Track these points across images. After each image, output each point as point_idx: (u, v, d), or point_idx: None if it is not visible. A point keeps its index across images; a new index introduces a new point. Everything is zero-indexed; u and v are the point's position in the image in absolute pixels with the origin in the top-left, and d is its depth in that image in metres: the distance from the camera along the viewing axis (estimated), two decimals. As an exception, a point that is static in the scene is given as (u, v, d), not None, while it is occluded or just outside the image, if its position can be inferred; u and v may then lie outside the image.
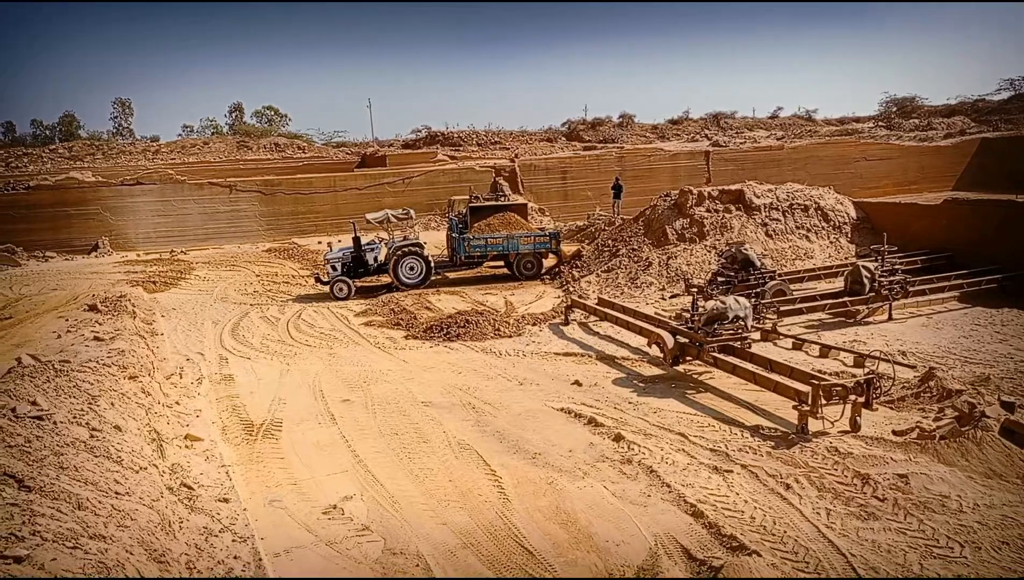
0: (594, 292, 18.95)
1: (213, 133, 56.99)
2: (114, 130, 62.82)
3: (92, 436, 7.65)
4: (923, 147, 41.65)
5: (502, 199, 25.16)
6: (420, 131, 52.14)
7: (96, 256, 29.52)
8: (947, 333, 14.39)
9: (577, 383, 12.34)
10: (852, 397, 9.68)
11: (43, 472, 6.37)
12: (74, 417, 7.96)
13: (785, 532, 7.34)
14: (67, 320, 14.86)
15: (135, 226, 31.20)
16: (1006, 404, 9.62)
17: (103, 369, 10.14)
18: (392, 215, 21.21)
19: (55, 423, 7.55)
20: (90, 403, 8.59)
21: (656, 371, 12.91)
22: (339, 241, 23.66)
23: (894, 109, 57.95)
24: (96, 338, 12.55)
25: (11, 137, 61.00)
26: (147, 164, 40.61)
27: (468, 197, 23.36)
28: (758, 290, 16.43)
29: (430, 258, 21.21)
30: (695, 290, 15.98)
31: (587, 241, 24.72)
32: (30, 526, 5.40)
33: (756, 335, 13.54)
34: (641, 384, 12.27)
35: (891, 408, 10.56)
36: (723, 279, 17.36)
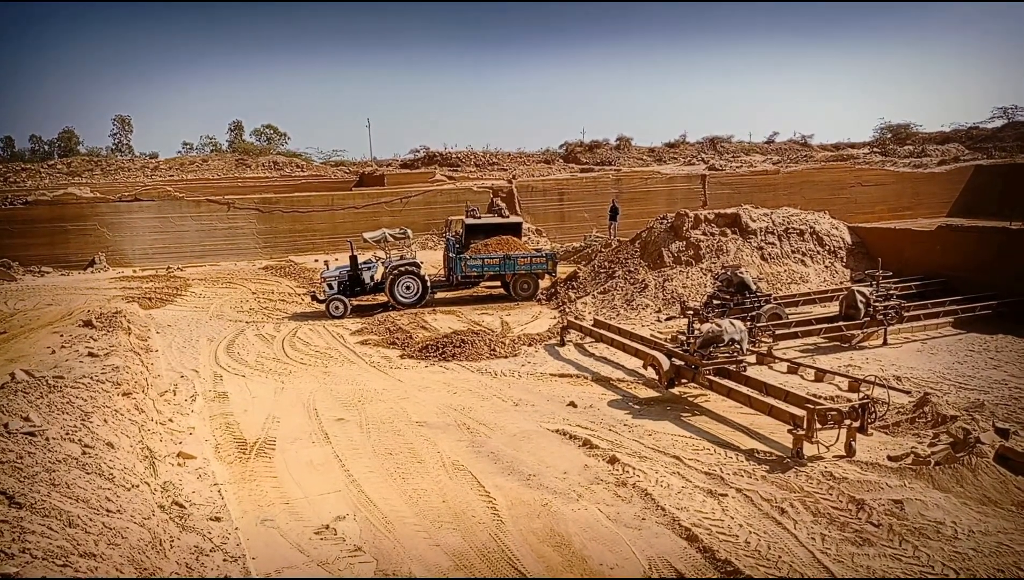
0: (590, 313, 18.97)
1: (212, 151, 57.35)
2: (113, 146, 63.24)
3: (84, 453, 7.60)
4: (917, 173, 42.02)
5: (504, 214, 25.35)
6: (418, 151, 52.60)
7: (92, 272, 29.48)
8: (942, 359, 14.42)
9: (572, 404, 12.32)
10: (847, 422, 9.68)
11: (34, 489, 6.32)
12: (67, 433, 7.92)
13: (780, 557, 7.31)
14: (62, 336, 14.81)
15: (132, 242, 31.21)
16: (1000, 430, 9.63)
17: (97, 385, 10.10)
18: (389, 234, 21.27)
19: (47, 439, 7.52)
20: (83, 419, 8.55)
21: (651, 393, 12.90)
22: (336, 259, 23.69)
23: (889, 135, 58.65)
24: (90, 354, 12.50)
25: (10, 152, 61.27)
26: (145, 181, 40.77)
27: (465, 213, 23.48)
28: (753, 314, 16.47)
29: (426, 278, 21.24)
30: (691, 313, 16.00)
31: (584, 262, 24.79)
32: (20, 543, 5.36)
33: (751, 358, 13.56)
34: (636, 406, 12.26)
35: (886, 433, 10.55)
36: (719, 302, 17.40)
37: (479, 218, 23.49)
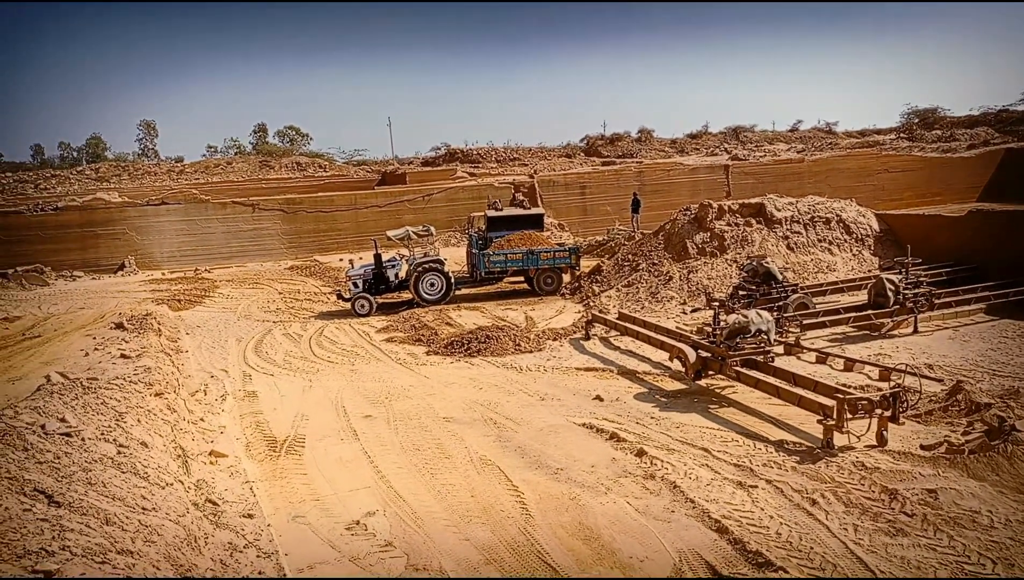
0: (614, 307, 18.90)
1: (236, 153, 57.95)
2: (140, 151, 64.20)
3: (119, 452, 7.75)
4: (946, 158, 41.24)
5: (526, 207, 25.36)
6: (439, 148, 52.65)
7: (122, 275, 29.98)
8: (974, 346, 14.17)
9: (599, 398, 12.30)
10: (878, 411, 9.56)
11: (72, 488, 6.46)
12: (102, 434, 8.07)
13: (812, 548, 7.24)
14: (94, 338, 15.08)
15: (160, 245, 31.69)
16: (1036, 418, 9.44)
17: (130, 386, 10.28)
18: (412, 232, 21.36)
19: (83, 440, 7.66)
20: (117, 420, 8.71)
21: (678, 386, 12.84)
22: (360, 258, 23.83)
23: (916, 120, 57.58)
24: (123, 356, 12.73)
25: (40, 159, 62.47)
26: (172, 184, 41.32)
27: (488, 205, 23.51)
28: (780, 304, 16.31)
29: (450, 274, 21.30)
30: (716, 304, 15.87)
31: (607, 256, 24.70)
32: (60, 541, 5.48)
33: (779, 349, 13.43)
34: (663, 399, 12.21)
35: (918, 422, 10.40)
36: (744, 293, 17.26)
37: (500, 210, 23.56)
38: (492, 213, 22.93)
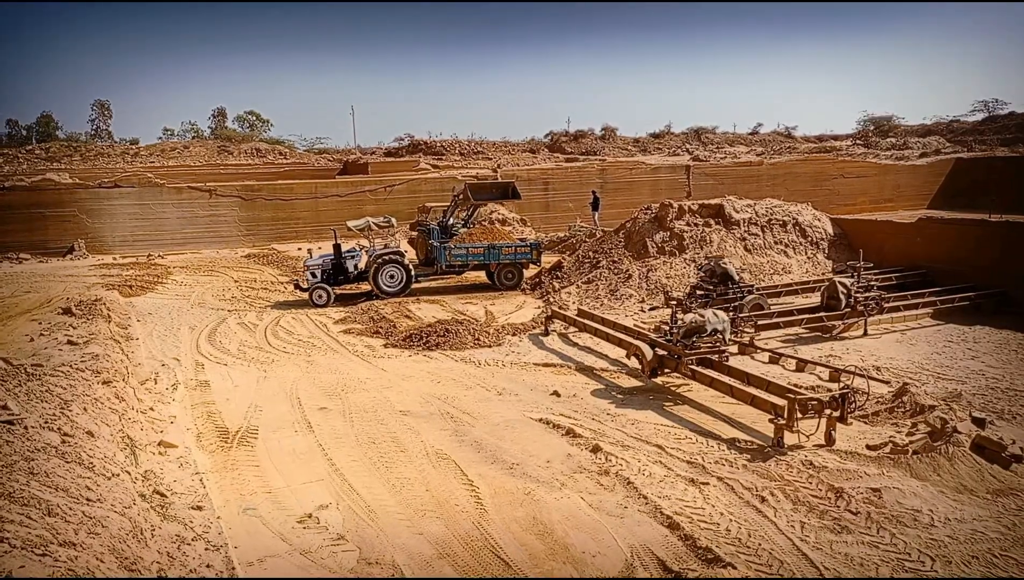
0: (574, 303, 19.00)
1: (194, 137, 56.73)
2: (92, 132, 62.40)
3: (64, 441, 7.53)
4: (899, 166, 42.31)
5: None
6: (403, 139, 52.21)
7: (71, 258, 29.13)
8: (920, 349, 14.60)
9: (556, 394, 12.35)
10: (827, 411, 9.78)
11: (12, 477, 6.26)
12: (46, 422, 7.84)
13: (760, 545, 7.39)
14: (40, 323, 14.65)
15: (112, 229, 30.83)
16: (977, 420, 9.77)
17: (76, 373, 10.00)
18: (373, 223, 21.16)
19: (26, 428, 7.44)
20: (62, 408, 8.46)
21: (634, 383, 12.97)
22: (319, 248, 23.55)
23: (871, 128, 58.96)
24: (70, 342, 12.39)
25: (-13, 137, 60.24)
26: (126, 167, 40.28)
27: (452, 196, 23.68)
28: (736, 304, 16.57)
29: (411, 266, 21.18)
30: (674, 303, 16.07)
31: (568, 252, 24.80)
32: (-2, 532, 5.31)
33: (734, 348, 13.65)
34: (619, 396, 12.32)
35: (865, 423, 10.68)
36: (702, 292, 17.48)
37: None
38: (471, 181, 23.50)
